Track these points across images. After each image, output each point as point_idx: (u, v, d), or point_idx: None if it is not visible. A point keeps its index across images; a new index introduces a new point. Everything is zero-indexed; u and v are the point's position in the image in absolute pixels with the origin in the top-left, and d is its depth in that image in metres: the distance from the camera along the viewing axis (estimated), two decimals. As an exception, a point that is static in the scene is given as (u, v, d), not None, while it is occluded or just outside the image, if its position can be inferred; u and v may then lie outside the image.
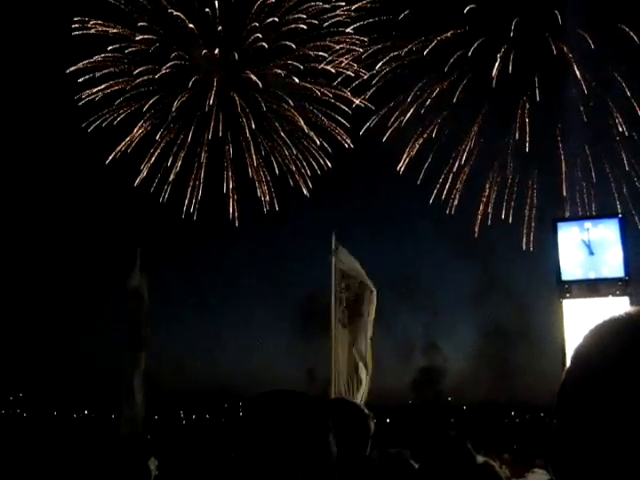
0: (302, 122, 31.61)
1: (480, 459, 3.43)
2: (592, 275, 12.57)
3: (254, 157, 32.96)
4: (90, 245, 31.95)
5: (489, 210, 28.54)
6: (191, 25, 29.50)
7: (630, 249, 12.84)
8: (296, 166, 32.47)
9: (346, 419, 2.70)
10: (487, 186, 28.80)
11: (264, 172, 32.92)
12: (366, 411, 3.03)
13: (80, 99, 29.65)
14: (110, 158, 30.63)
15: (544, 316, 12.77)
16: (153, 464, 6.64)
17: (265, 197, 32.86)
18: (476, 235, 28.82)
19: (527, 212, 27.34)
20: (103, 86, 29.75)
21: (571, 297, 12.38)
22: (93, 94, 29.71)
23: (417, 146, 29.85)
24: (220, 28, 29.67)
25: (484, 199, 28.79)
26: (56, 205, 33.80)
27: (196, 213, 32.52)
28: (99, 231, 32.51)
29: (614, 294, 12.21)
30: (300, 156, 32.44)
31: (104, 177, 31.30)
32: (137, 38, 29.53)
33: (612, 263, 12.54)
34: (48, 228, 33.19)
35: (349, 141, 31.12)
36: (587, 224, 13.03)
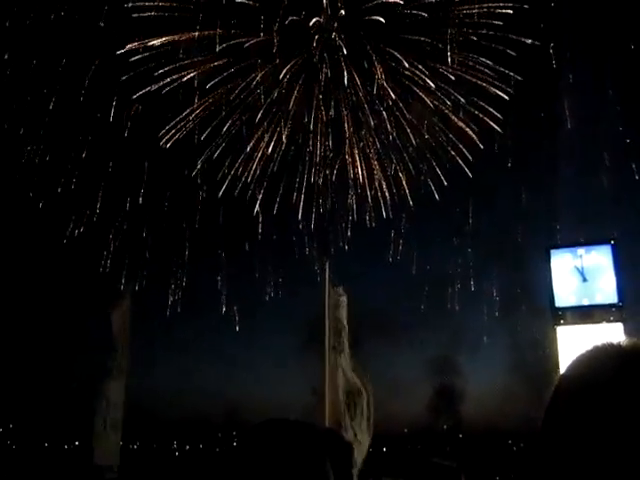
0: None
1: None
2: (586, 302, 12.59)
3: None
4: (83, 277, 29.76)
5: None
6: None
7: (624, 275, 12.90)
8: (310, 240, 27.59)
9: (330, 448, 2.69)
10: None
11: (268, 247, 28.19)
12: (347, 439, 3.03)
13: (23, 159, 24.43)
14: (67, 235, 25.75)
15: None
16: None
17: (269, 285, 28.81)
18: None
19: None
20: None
21: (565, 324, 12.39)
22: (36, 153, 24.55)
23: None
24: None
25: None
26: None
27: (180, 305, 28.62)
28: (87, 256, 28.62)
29: (608, 320, 12.22)
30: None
31: (62, 259, 26.36)
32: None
33: (606, 289, 12.57)
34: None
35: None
36: (580, 251, 13.08)
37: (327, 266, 8.65)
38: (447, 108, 25.23)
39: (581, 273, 12.71)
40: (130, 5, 23.04)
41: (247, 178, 26.71)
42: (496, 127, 24.88)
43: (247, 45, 24.14)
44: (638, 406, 0.85)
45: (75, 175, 25.40)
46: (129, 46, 23.61)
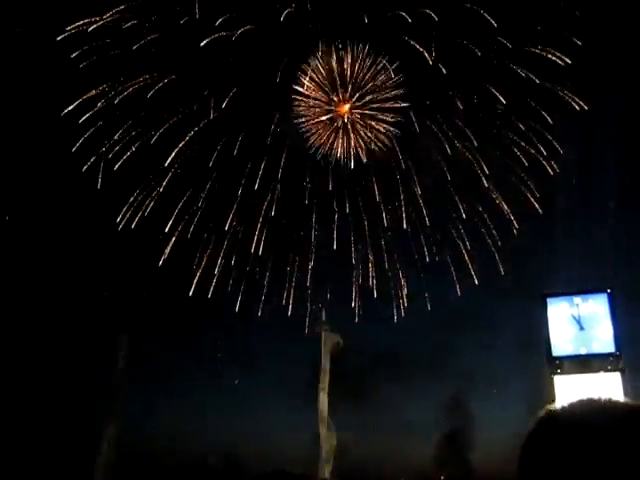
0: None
1: None
2: (583, 351, 12.54)
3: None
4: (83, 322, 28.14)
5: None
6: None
7: (621, 324, 12.89)
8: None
9: None
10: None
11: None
12: None
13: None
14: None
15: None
16: None
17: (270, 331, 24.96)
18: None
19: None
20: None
21: (562, 373, 12.31)
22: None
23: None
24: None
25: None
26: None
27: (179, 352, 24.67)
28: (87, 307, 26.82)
29: (606, 370, 12.16)
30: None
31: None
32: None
33: (603, 338, 12.55)
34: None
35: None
36: (576, 299, 13.09)
37: (323, 314, 8.70)
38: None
39: (578, 322, 12.70)
40: (77, 53, 19.13)
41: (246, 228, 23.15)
42: (537, 207, 21.68)
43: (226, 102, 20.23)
44: (633, 464, 0.90)
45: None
46: (74, 105, 19.72)
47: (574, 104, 20.16)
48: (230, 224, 22.16)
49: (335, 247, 22.12)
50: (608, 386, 11.70)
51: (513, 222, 21.89)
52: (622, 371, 12.18)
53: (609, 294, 13.15)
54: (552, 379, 12.27)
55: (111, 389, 10.32)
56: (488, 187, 21.81)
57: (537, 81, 20.08)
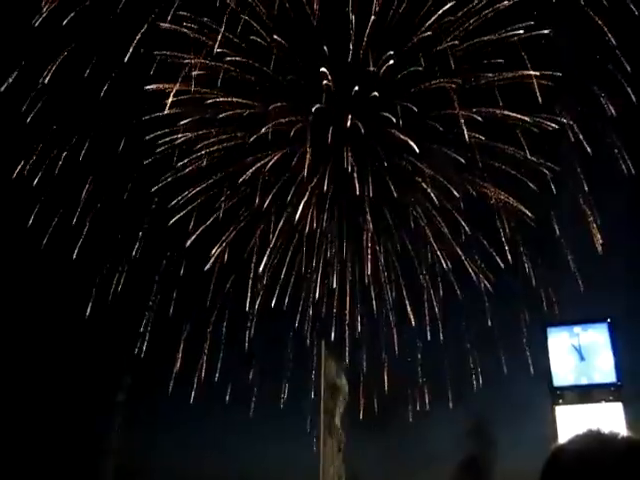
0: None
1: None
2: (584, 381, 12.52)
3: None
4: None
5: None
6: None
7: (623, 354, 12.88)
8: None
9: None
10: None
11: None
12: None
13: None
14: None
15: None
16: None
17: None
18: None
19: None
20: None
21: (564, 403, 12.26)
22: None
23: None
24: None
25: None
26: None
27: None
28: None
29: (607, 400, 12.12)
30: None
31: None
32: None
33: (603, 368, 12.54)
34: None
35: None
36: (577, 329, 13.10)
37: (323, 345, 8.75)
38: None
39: (578, 351, 12.71)
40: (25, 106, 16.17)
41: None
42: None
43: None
44: None
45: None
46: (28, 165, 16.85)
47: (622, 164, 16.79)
48: (212, 300, 18.28)
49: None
50: (609, 416, 11.66)
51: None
52: (623, 401, 12.15)
53: (609, 323, 13.16)
54: (554, 409, 12.23)
55: (111, 421, 10.35)
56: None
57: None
